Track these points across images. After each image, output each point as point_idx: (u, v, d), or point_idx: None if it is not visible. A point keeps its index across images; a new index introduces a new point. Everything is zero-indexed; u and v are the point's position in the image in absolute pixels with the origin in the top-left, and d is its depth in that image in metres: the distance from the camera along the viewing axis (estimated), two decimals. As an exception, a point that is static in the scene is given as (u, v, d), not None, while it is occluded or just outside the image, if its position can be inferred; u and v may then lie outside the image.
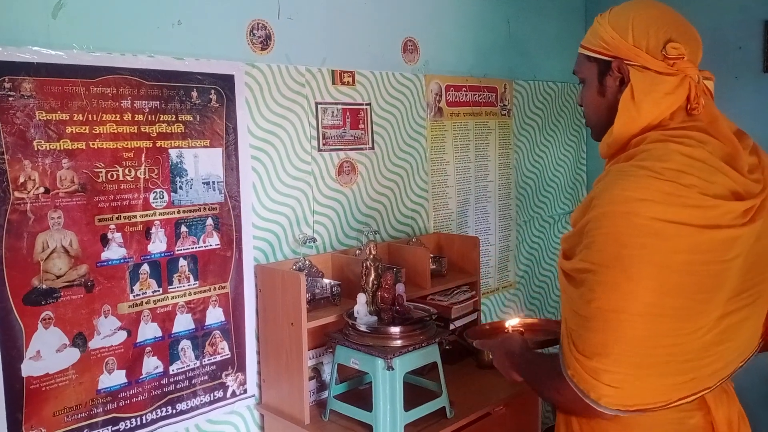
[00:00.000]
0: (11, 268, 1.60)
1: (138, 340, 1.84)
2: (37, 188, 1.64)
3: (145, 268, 1.85)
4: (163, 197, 1.87)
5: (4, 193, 1.59)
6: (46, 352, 1.67)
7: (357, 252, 2.27)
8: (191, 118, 1.91)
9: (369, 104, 2.42)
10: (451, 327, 2.30)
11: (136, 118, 1.80)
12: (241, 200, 2.04)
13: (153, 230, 1.86)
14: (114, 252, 1.78)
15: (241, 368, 2.08)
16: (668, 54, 1.20)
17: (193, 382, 1.97)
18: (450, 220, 2.80)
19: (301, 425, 1.94)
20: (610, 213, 1.10)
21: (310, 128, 2.24)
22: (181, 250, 1.92)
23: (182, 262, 1.92)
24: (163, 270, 1.89)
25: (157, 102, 1.84)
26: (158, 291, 1.88)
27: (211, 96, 1.95)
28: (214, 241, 1.99)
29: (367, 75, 2.42)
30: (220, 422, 2.07)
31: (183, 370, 1.95)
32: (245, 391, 2.09)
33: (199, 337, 1.98)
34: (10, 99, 1.58)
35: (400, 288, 1.96)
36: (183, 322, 1.94)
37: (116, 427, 1.81)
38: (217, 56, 1.98)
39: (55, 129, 1.65)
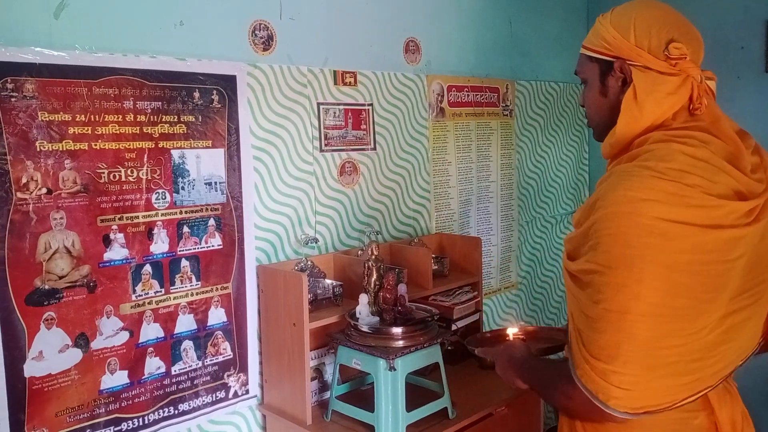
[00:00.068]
0: (14, 268, 1.61)
1: (140, 341, 1.85)
2: (40, 189, 1.64)
3: (148, 268, 1.85)
4: (165, 198, 1.87)
5: (7, 193, 1.59)
6: (49, 352, 1.67)
7: (359, 252, 2.27)
8: (193, 119, 1.91)
9: (371, 104, 2.42)
10: (453, 327, 2.30)
11: (138, 119, 1.80)
12: (243, 201, 2.04)
13: (155, 231, 1.86)
14: (116, 252, 1.78)
15: (243, 369, 2.08)
16: (670, 54, 1.19)
17: (195, 382, 1.97)
18: (452, 221, 2.80)
19: (303, 426, 1.94)
20: (615, 214, 1.10)
21: (311, 129, 2.24)
22: (183, 250, 1.92)
23: (184, 263, 1.93)
24: (166, 270, 1.89)
25: (160, 103, 1.84)
26: (160, 291, 1.88)
27: (213, 96, 1.95)
28: (216, 242, 1.99)
29: (369, 75, 2.42)
30: (222, 423, 2.07)
31: (185, 370, 1.95)
32: (247, 392, 2.10)
33: (201, 337, 1.98)
34: (13, 100, 1.58)
35: (402, 288, 1.96)
36: (185, 323, 1.94)
37: (118, 428, 1.82)
38: (219, 57, 1.98)
39: (58, 130, 1.66)
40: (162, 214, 1.87)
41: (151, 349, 1.87)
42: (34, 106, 1.61)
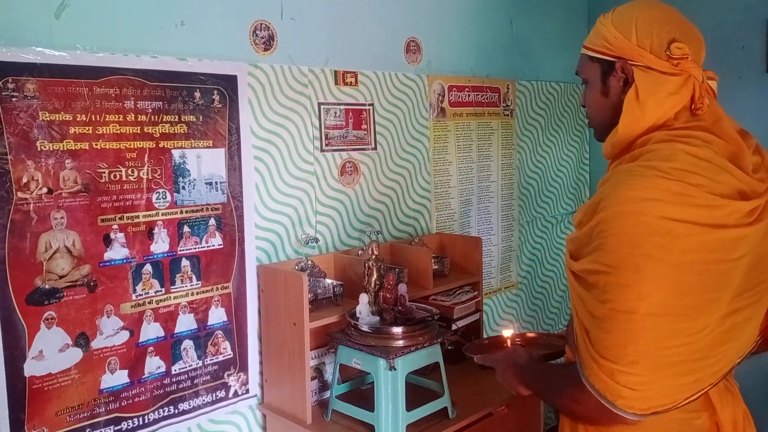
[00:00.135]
0: (14, 268, 1.61)
1: (140, 340, 1.85)
2: (41, 188, 1.64)
3: (148, 268, 1.85)
4: (165, 197, 1.87)
5: (8, 193, 1.59)
6: (49, 351, 1.67)
7: (359, 252, 2.27)
8: (194, 119, 1.91)
9: (372, 104, 2.42)
10: (454, 327, 2.30)
11: (139, 119, 1.80)
12: (244, 200, 2.04)
13: (156, 230, 1.86)
14: (117, 252, 1.78)
15: (243, 368, 2.08)
16: (672, 54, 1.19)
17: (195, 382, 1.97)
18: (452, 221, 2.80)
19: (303, 425, 1.94)
20: (620, 213, 1.10)
21: (312, 129, 2.24)
22: (183, 250, 1.92)
23: (185, 263, 1.93)
24: (166, 270, 1.89)
25: (160, 102, 1.84)
26: (161, 291, 1.88)
27: (213, 96, 1.95)
28: (216, 242, 1.99)
29: (370, 75, 2.42)
30: (222, 422, 2.07)
31: (185, 370, 1.95)
32: (247, 391, 2.10)
33: (202, 337, 1.98)
34: (14, 99, 1.58)
35: (402, 288, 1.96)
36: (185, 322, 1.94)
37: (118, 427, 1.82)
38: (220, 57, 1.98)
39: (58, 129, 1.66)
40: (162, 214, 1.87)
41: (151, 348, 1.87)
42: (35, 106, 1.61)
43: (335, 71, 2.30)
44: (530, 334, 1.83)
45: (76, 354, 1.72)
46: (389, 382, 1.83)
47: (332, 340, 1.99)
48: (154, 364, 1.88)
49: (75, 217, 1.70)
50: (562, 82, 3.31)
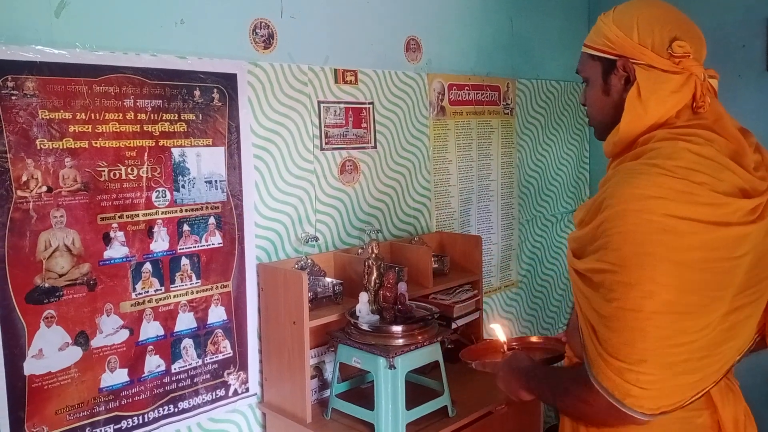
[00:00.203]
0: (14, 266, 1.60)
1: (140, 339, 1.85)
2: (40, 187, 1.64)
3: (148, 266, 1.85)
4: (165, 196, 1.87)
5: (7, 191, 1.59)
6: (49, 350, 1.67)
7: (359, 251, 2.27)
8: (194, 117, 1.91)
9: (371, 103, 2.42)
10: (453, 326, 2.30)
11: (138, 117, 1.80)
12: (244, 199, 2.04)
13: (155, 229, 1.86)
14: (116, 251, 1.78)
15: (243, 367, 2.08)
16: (674, 52, 1.19)
17: (195, 380, 1.97)
18: (452, 219, 2.80)
19: (302, 424, 1.94)
20: (624, 212, 1.10)
21: (312, 127, 2.24)
22: (183, 248, 1.92)
23: (184, 261, 1.92)
24: (166, 269, 1.89)
25: (160, 101, 1.84)
26: (160, 290, 1.88)
27: (213, 95, 1.95)
28: (216, 240, 1.99)
29: (370, 74, 2.41)
30: (222, 421, 2.07)
31: (185, 368, 1.95)
32: (247, 390, 2.10)
33: (201, 335, 1.98)
34: (13, 98, 1.58)
35: (402, 287, 1.95)
36: (185, 321, 1.94)
37: (118, 426, 1.82)
38: (220, 55, 1.97)
39: (58, 128, 1.66)
40: (162, 213, 1.87)
41: (151, 347, 1.87)
42: (34, 104, 1.61)
43: (335, 70, 2.30)
44: (527, 339, 1.79)
45: (75, 353, 1.72)
46: (389, 381, 1.83)
47: (332, 339, 1.99)
48: (153, 363, 1.88)
49: (74, 215, 1.70)
50: (562, 81, 3.31)
